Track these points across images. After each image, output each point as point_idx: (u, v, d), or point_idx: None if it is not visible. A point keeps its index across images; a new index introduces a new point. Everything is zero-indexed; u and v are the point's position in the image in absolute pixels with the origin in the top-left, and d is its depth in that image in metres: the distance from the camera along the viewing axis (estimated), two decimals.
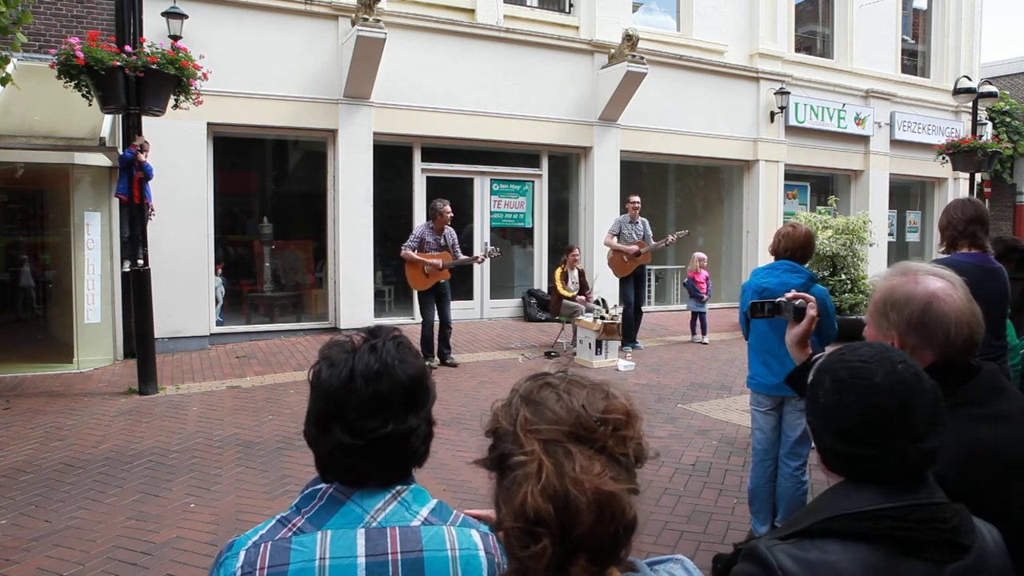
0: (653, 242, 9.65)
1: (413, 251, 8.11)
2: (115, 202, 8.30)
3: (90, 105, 6.76)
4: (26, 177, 8.91)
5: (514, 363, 8.59)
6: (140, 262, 7.01)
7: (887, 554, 1.05)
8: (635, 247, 9.38)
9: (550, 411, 0.89)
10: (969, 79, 13.26)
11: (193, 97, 7.01)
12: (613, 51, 11.30)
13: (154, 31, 7.91)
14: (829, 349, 1.83)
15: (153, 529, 3.99)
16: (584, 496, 0.82)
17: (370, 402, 1.13)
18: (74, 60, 6.23)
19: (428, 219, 8.49)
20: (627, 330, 9.21)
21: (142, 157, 6.89)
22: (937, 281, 1.46)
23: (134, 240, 7.03)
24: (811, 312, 1.90)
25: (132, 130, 6.89)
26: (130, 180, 6.96)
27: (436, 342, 8.34)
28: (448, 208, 8.22)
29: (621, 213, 10.36)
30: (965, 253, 3.09)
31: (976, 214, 3.11)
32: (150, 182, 7.11)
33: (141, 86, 6.50)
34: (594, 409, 0.89)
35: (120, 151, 7.62)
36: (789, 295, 1.95)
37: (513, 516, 0.84)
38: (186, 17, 8.48)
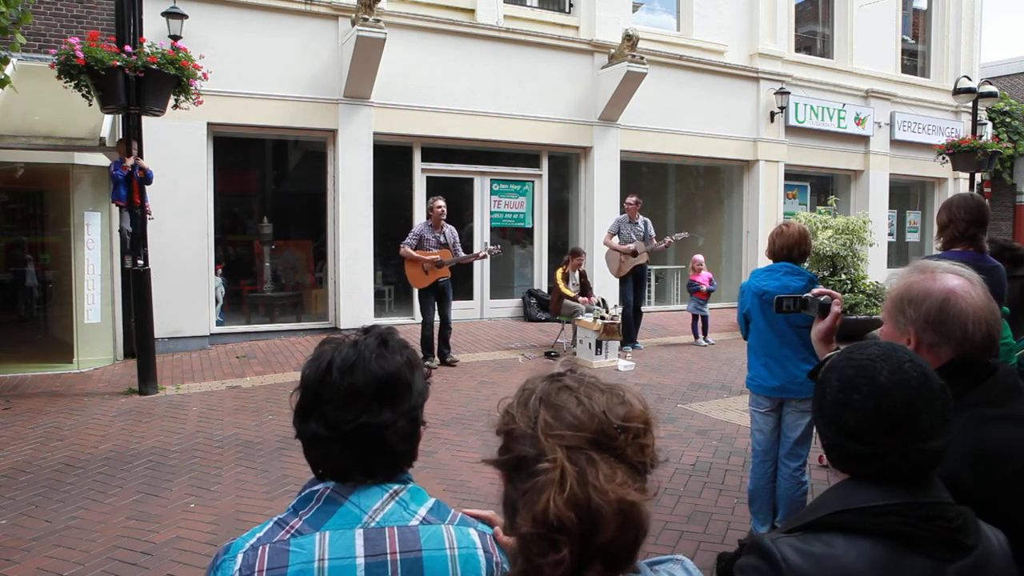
0: (654, 242, 9.64)
1: (412, 248, 8.12)
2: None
3: (90, 105, 6.76)
4: (26, 177, 8.91)
5: (514, 363, 8.59)
6: (140, 262, 7.01)
7: (890, 549, 1.05)
8: (631, 247, 9.36)
9: (571, 416, 0.88)
10: (969, 79, 13.25)
11: (193, 97, 7.01)
12: (613, 51, 11.29)
13: (154, 31, 7.90)
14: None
15: (153, 529, 3.99)
16: (608, 506, 0.81)
17: (343, 394, 1.13)
18: (74, 60, 6.23)
19: (426, 217, 8.52)
20: (626, 330, 9.21)
21: (143, 163, 6.89)
22: (955, 279, 1.46)
23: (135, 239, 7.03)
24: (835, 308, 1.93)
25: (132, 130, 6.88)
26: (129, 188, 6.97)
27: (436, 342, 8.34)
28: (439, 203, 8.22)
29: (621, 213, 10.36)
30: (960, 251, 3.06)
31: (979, 215, 3.07)
32: (148, 187, 7.12)
33: (141, 86, 6.50)
34: (615, 416, 0.88)
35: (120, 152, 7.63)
36: (816, 291, 1.99)
37: (533, 522, 0.83)
38: (186, 17, 8.48)
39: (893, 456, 1.09)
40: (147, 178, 7.03)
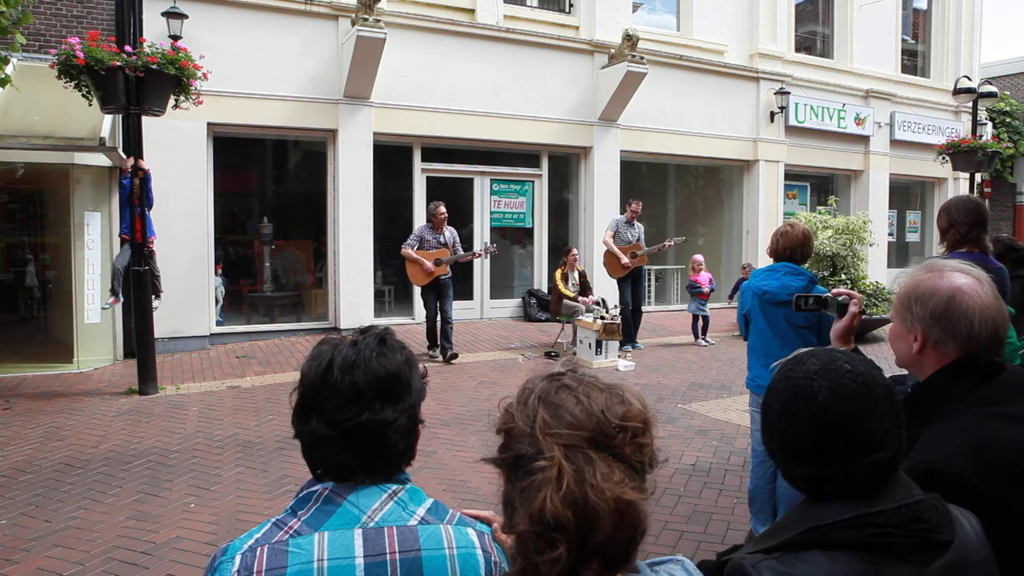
0: (646, 246, 9.67)
1: (412, 249, 8.38)
2: (115, 202, 8.31)
3: (90, 105, 6.75)
4: (26, 177, 8.91)
5: (514, 363, 8.59)
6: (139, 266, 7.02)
7: (871, 562, 1.04)
8: (626, 257, 9.38)
9: (570, 415, 0.88)
10: (969, 79, 13.25)
11: (193, 97, 7.01)
12: (613, 51, 11.29)
13: (154, 31, 7.91)
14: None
15: (153, 529, 3.98)
16: (605, 504, 0.81)
17: (345, 392, 1.14)
18: (74, 60, 6.22)
19: (427, 220, 8.69)
20: (626, 330, 9.21)
21: (142, 163, 6.89)
22: (963, 277, 1.46)
23: (128, 270, 7.05)
24: (853, 308, 1.97)
25: (132, 130, 6.88)
26: (132, 215, 6.95)
27: (438, 336, 8.61)
28: (441, 209, 8.49)
29: (620, 213, 10.36)
30: (964, 252, 3.07)
31: (979, 217, 3.07)
32: (150, 212, 7.12)
33: (141, 86, 6.50)
34: (613, 415, 0.88)
35: (120, 152, 7.63)
36: (835, 291, 2.04)
37: (530, 520, 0.83)
38: (186, 17, 8.48)
39: (842, 475, 1.07)
40: (149, 201, 7.01)
